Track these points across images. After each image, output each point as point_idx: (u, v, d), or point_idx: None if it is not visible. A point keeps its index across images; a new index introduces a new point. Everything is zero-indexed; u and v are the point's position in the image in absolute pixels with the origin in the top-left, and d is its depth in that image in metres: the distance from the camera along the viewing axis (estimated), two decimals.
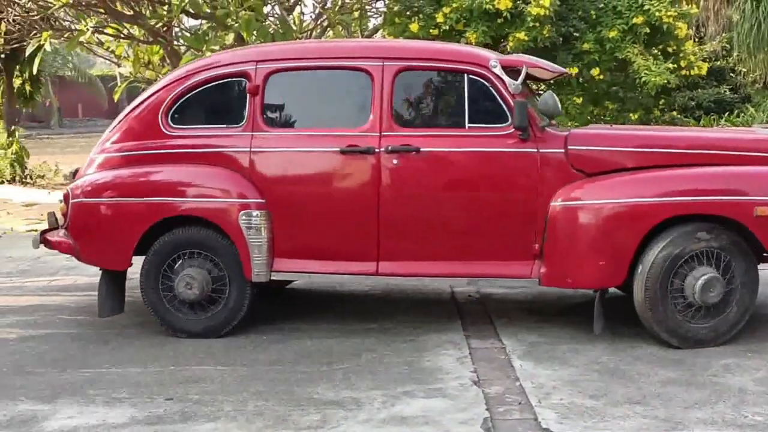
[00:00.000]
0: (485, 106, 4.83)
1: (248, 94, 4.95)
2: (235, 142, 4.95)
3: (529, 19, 8.76)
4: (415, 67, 4.96)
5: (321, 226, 4.88)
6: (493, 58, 4.85)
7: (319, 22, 11.29)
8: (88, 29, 10.21)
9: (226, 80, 5.09)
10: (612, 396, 3.85)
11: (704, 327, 4.56)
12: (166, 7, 9.95)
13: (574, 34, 9.28)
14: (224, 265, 4.91)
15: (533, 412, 3.67)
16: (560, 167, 4.73)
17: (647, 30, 9.13)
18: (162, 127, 5.06)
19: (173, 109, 5.08)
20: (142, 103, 5.20)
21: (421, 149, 4.77)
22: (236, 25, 9.12)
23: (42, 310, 5.71)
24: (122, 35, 10.81)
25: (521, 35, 8.78)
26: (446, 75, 5.00)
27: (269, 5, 10.53)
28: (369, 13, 12.09)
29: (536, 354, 4.51)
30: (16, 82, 15.04)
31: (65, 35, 11.01)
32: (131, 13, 10.16)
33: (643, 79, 9.00)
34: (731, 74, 14.99)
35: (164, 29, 10.47)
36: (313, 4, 11.46)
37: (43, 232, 5.40)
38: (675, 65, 9.29)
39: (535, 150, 4.73)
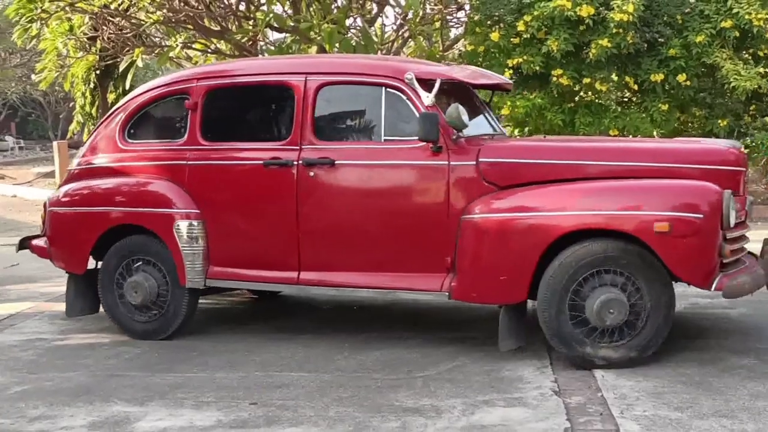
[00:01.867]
0: (401, 119, 4.82)
1: (188, 111, 5.21)
2: (176, 156, 5.25)
3: (612, 25, 8.65)
4: (336, 81, 5.03)
5: (249, 236, 5.08)
6: (409, 70, 4.76)
7: (400, 33, 11.39)
8: (177, 45, 10.57)
9: (171, 98, 5.43)
10: (698, 408, 3.77)
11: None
12: (251, 22, 10.21)
13: (659, 39, 9.13)
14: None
15: (615, 423, 3.62)
16: (471, 180, 4.65)
17: (736, 34, 8.91)
18: (118, 142, 5.47)
19: (128, 126, 5.48)
20: (105, 120, 5.70)
21: (336, 161, 4.84)
22: (319, 38, 9.28)
23: None
24: (210, 50, 11.15)
25: (604, 42, 8.68)
26: (365, 88, 4.97)
27: (351, 18, 10.69)
28: (450, 24, 12.12)
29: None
30: (111, 97, 15.64)
31: (156, 51, 11.40)
32: (218, 28, 10.47)
33: (732, 85, 8.78)
34: None
35: (250, 43, 10.75)
36: (395, 16, 11.58)
37: (31, 238, 5.94)
38: (766, 70, 9.02)
39: (446, 163, 4.66)
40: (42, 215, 5.76)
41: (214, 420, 3.83)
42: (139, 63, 10.75)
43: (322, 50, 9.54)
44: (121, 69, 11.19)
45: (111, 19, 11.04)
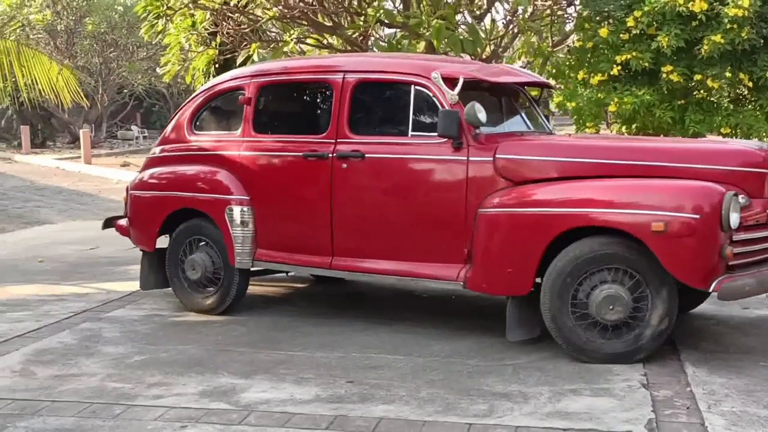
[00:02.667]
0: (427, 116, 5.07)
1: (244, 105, 5.67)
2: (232, 147, 5.72)
3: (726, 20, 8.43)
4: (370, 79, 5.31)
5: (290, 222, 5.48)
6: (436, 69, 4.99)
7: (509, 29, 11.43)
8: (292, 40, 10.95)
9: (230, 93, 5.92)
10: None
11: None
12: (362, 18, 10.47)
13: None
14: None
15: (701, 417, 3.67)
16: (488, 175, 4.85)
17: None
18: (186, 133, 6.01)
19: (195, 118, 6.04)
20: (176, 113, 6.26)
21: (366, 155, 5.14)
22: (428, 33, 9.45)
23: (246, 297, 6.28)
24: (322, 45, 11.49)
25: (717, 38, 8.47)
26: (396, 86, 5.25)
27: (460, 13, 10.80)
28: (561, 19, 12.06)
29: (712, 362, 4.46)
30: None
31: (271, 46, 11.83)
32: (331, 24, 10.78)
33: None
34: None
35: (361, 39, 11.03)
36: (504, 12, 11.60)
37: (115, 218, 6.57)
38: None
39: (465, 158, 4.88)
40: (124, 197, 6.39)
41: (312, 395, 4.09)
42: (255, 57, 11.19)
43: (430, 46, 9.71)
44: (238, 62, 11.64)
45: (230, 15, 11.52)
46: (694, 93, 9.30)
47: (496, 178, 4.84)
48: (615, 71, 9.19)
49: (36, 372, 4.52)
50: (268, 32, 12.38)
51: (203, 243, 5.81)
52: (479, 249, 4.78)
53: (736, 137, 9.18)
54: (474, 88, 5.11)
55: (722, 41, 8.61)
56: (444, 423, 3.67)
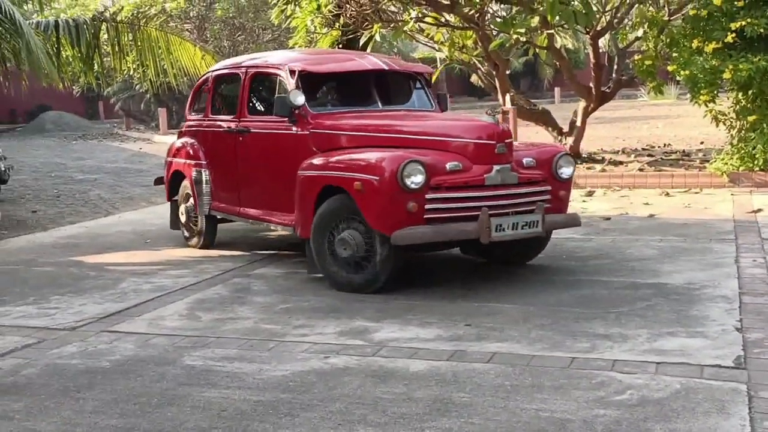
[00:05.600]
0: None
1: (206, 93, 7.64)
2: (201, 124, 7.60)
3: None
4: (258, 72, 7.02)
5: (224, 181, 7.21)
6: (287, 64, 6.57)
7: (625, 0, 11.56)
8: (411, 19, 11.51)
9: (204, 84, 7.82)
10: None
11: (355, 276, 5.72)
12: None
13: None
14: (194, 198, 7.66)
15: None
16: (306, 145, 6.23)
17: None
18: (188, 113, 7.96)
19: (193, 102, 8.00)
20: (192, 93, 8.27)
21: (251, 130, 6.82)
22: (542, 8, 9.80)
23: None
24: (440, 23, 11.99)
25: None
26: (271, 77, 6.89)
27: None
28: None
29: None
30: None
31: (392, 25, 12.43)
32: (448, 2, 11.26)
33: None
34: None
35: (477, 16, 11.47)
36: None
37: (162, 178, 8.42)
38: None
39: (294, 132, 6.36)
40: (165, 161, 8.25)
41: (434, 335, 4.69)
42: (377, 37, 11.81)
43: (544, 20, 10.06)
44: (361, 42, 12.31)
45: None
46: None
47: (311, 148, 6.19)
48: (730, 38, 9.34)
49: (200, 315, 5.32)
50: (389, 12, 12.97)
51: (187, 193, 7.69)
52: (295, 202, 6.12)
53: None
54: (331, 78, 6.92)
55: None
56: (550, 357, 4.19)
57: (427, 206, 5.45)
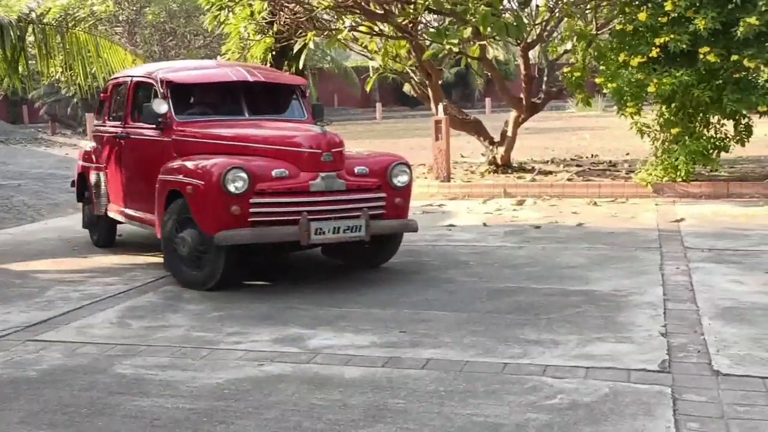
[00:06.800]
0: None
1: (104, 100, 8.06)
2: (101, 130, 8.01)
3: (761, 3, 8.81)
4: (139, 82, 7.41)
5: (114, 184, 7.64)
6: (158, 76, 7.00)
7: (554, 14, 11.83)
8: (345, 27, 11.55)
9: (104, 92, 8.26)
10: None
11: (194, 273, 6.08)
12: (412, 6, 11.02)
13: None
14: (92, 199, 8.19)
15: (709, 358, 4.18)
16: (169, 151, 6.58)
17: None
18: (95, 118, 8.53)
19: (99, 107, 8.48)
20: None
21: (130, 135, 7.26)
22: (474, 20, 9.94)
23: (305, 265, 6.93)
24: (374, 32, 12.06)
25: (752, 20, 8.85)
26: (148, 86, 7.21)
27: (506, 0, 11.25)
28: (605, 4, 12.41)
29: (728, 316, 4.94)
30: None
31: (326, 33, 12.45)
32: (382, 12, 11.35)
33: None
34: None
35: (410, 26, 11.57)
36: None
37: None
38: None
39: (160, 139, 6.73)
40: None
41: (369, 341, 4.71)
42: (311, 45, 11.82)
43: (476, 31, 10.21)
44: (295, 50, 12.29)
45: (286, 4, 12.17)
46: (732, 73, 9.64)
47: (173, 154, 6.53)
48: (654, 53, 9.62)
49: (131, 323, 5.23)
50: (322, 20, 12.98)
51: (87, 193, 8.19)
52: (156, 205, 6.45)
53: None
54: (199, 88, 7.27)
55: (757, 23, 8.98)
56: (483, 363, 4.25)
57: (251, 210, 5.81)
